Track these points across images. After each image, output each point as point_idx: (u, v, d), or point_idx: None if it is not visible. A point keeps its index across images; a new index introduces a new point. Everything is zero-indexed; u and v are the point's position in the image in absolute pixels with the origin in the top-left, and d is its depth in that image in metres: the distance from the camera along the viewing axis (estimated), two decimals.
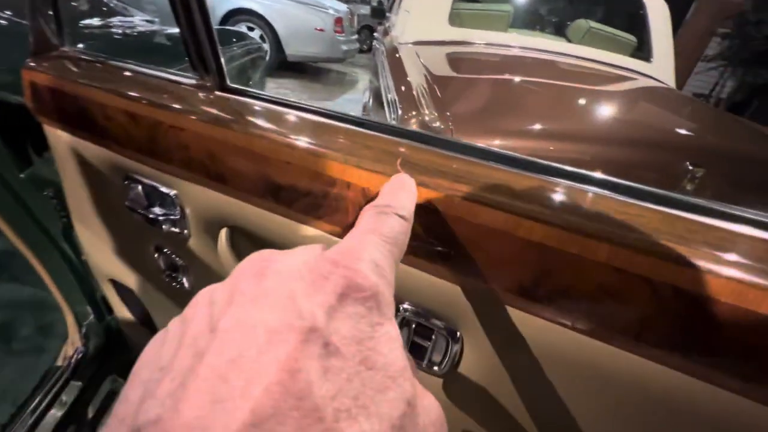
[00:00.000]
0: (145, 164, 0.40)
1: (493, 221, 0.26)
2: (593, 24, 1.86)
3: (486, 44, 1.72)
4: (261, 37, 4.58)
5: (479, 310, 0.30)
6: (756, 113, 4.56)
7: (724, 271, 0.22)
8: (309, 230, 0.34)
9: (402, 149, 0.30)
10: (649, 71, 1.80)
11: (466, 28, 1.74)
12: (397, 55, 1.56)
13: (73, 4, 1.17)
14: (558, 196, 0.26)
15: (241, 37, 1.94)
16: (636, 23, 1.89)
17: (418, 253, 0.29)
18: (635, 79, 1.72)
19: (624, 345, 0.25)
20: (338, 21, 4.62)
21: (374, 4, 8.57)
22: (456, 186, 0.27)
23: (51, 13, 0.41)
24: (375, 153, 0.30)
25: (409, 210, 0.21)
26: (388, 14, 3.28)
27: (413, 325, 0.33)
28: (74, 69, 0.42)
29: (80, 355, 0.74)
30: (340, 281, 0.15)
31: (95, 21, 1.16)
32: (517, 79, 1.40)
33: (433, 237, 0.28)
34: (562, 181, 0.27)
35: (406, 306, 0.34)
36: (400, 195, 0.22)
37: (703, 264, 0.22)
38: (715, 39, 5.21)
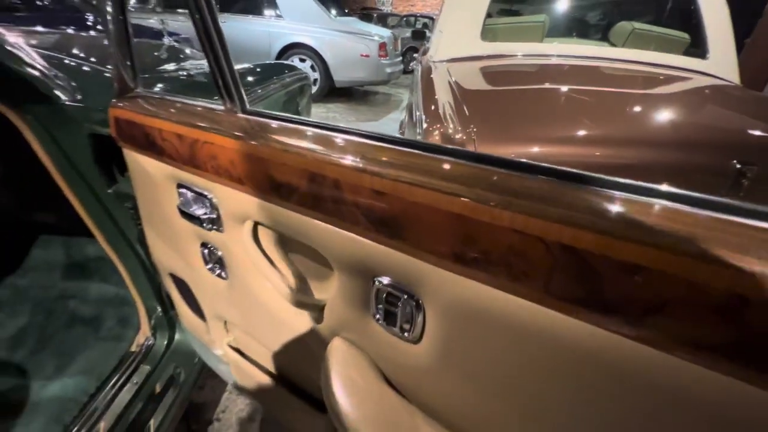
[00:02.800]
0: (190, 174, 0.50)
1: (425, 199, 0.33)
2: (637, 25, 1.78)
3: (522, 55, 1.73)
4: (312, 66, 4.95)
5: (433, 280, 0.35)
6: None
7: (597, 226, 0.27)
8: (305, 219, 0.41)
9: (372, 151, 0.36)
10: (706, 68, 1.67)
11: (499, 42, 1.76)
12: (430, 75, 1.63)
13: (155, 53, 1.42)
14: (473, 177, 0.32)
15: (290, 68, 2.15)
16: (688, 19, 1.78)
17: (381, 231, 0.35)
18: (690, 78, 1.60)
19: (538, 299, 0.30)
20: (382, 46, 4.85)
21: (418, 26, 8.85)
22: (403, 175, 0.34)
23: (129, 64, 0.54)
24: (346, 153, 0.38)
25: None
26: (428, 34, 3.39)
27: (384, 295, 0.38)
28: (143, 105, 0.55)
29: (149, 344, 0.88)
30: None
31: (170, 66, 1.40)
32: (548, 86, 1.39)
33: (386, 216, 0.34)
34: (478, 164, 0.33)
35: (380, 280, 0.39)
36: None
37: (580, 223, 0.27)
38: None
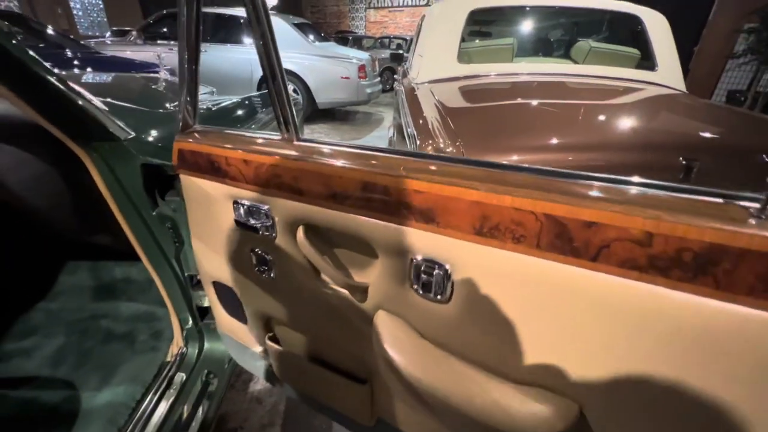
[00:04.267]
0: (250, 191, 0.62)
1: (452, 192, 0.46)
2: (593, 43, 2.00)
3: (496, 75, 1.91)
4: (294, 90, 5.10)
5: (459, 252, 0.47)
6: None
7: (565, 200, 0.40)
8: (356, 218, 0.54)
9: (402, 163, 0.49)
10: (655, 79, 1.89)
11: (474, 64, 1.95)
12: (415, 94, 1.79)
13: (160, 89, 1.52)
14: (484, 176, 0.46)
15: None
16: (637, 37, 2.01)
17: (418, 219, 0.48)
18: (642, 89, 1.81)
19: (533, 253, 0.43)
20: (361, 68, 5.07)
21: (393, 48, 9.21)
22: (436, 178, 0.47)
23: (192, 105, 0.66)
24: (383, 165, 0.51)
25: None
26: (405, 55, 3.61)
27: (421, 268, 0.50)
28: (206, 137, 0.66)
29: (183, 353, 0.96)
30: None
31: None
32: (521, 101, 1.56)
33: (423, 207, 0.48)
34: (486, 168, 0.47)
35: (416, 257, 0.51)
36: None
37: (555, 200, 0.41)
38: (743, 35, 5.08)
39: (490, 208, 0.43)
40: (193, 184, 0.68)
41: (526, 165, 0.45)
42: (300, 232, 0.59)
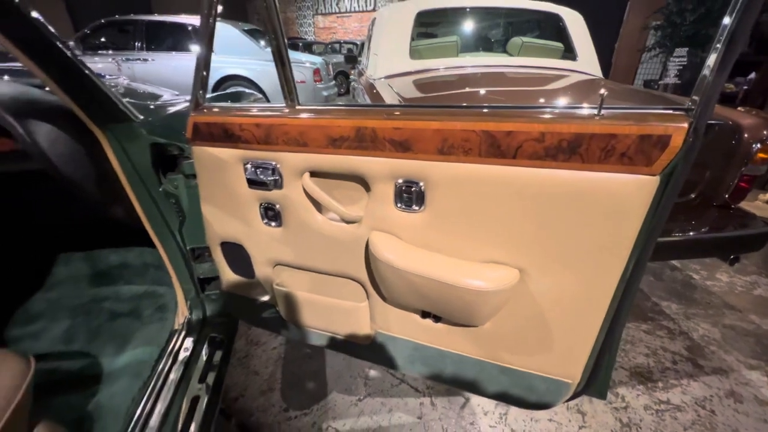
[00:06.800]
0: (260, 150, 0.75)
1: (422, 125, 0.63)
2: (525, 39, 2.29)
3: (444, 68, 2.14)
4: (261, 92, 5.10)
5: (428, 171, 0.65)
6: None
7: (493, 119, 0.59)
8: (350, 159, 0.69)
9: (384, 111, 0.66)
10: (577, 67, 2.22)
11: (424, 59, 2.16)
12: (374, 90, 1.96)
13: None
14: (443, 112, 0.63)
15: (246, 95, 2.36)
16: (560, 33, 2.34)
17: (398, 150, 0.65)
18: (567, 75, 2.12)
19: (477, 161, 0.61)
20: (316, 72, 5.19)
21: (344, 52, 9.39)
22: (409, 117, 0.65)
23: (201, 89, 0.78)
24: (370, 112, 0.67)
25: None
26: (359, 58, 3.79)
27: (403, 188, 0.67)
28: (219, 110, 0.79)
29: (189, 320, 1.05)
30: None
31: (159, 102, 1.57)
32: (468, 90, 1.79)
33: (401, 140, 0.65)
34: (444, 109, 0.64)
35: (398, 181, 0.68)
36: None
37: (485, 120, 0.60)
38: (652, 31, 5.82)
39: (447, 132, 0.61)
40: (205, 153, 0.80)
41: (470, 105, 0.64)
42: (306, 176, 0.74)
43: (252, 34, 5.25)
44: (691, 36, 4.85)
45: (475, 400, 1.33)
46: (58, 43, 0.66)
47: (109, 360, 0.98)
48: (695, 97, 0.51)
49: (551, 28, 2.47)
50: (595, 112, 0.56)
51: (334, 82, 6.15)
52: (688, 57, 5.21)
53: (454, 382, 0.87)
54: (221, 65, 4.96)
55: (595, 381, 0.76)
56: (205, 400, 0.87)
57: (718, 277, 2.09)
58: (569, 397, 0.78)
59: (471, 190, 0.63)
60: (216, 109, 0.79)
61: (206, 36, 0.71)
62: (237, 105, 0.79)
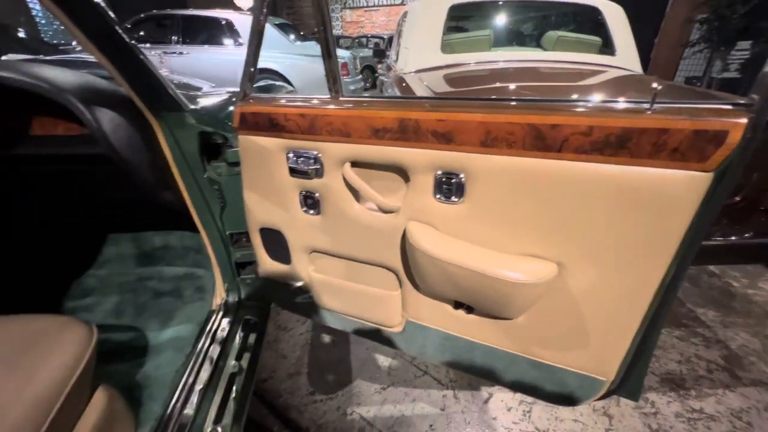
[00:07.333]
0: (303, 140, 0.78)
1: (465, 117, 0.63)
2: (560, 33, 2.23)
3: (475, 63, 2.12)
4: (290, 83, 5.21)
5: (470, 163, 0.65)
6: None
7: (538, 112, 0.59)
8: (392, 150, 0.71)
9: (426, 102, 0.67)
10: (616, 63, 2.14)
11: (456, 53, 2.14)
12: (404, 84, 1.97)
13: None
14: (486, 105, 0.64)
15: (277, 88, 2.42)
16: (598, 27, 2.26)
17: (440, 141, 0.66)
18: (605, 71, 2.05)
19: (521, 154, 0.62)
20: (344, 66, 5.22)
21: (371, 46, 9.39)
22: (453, 109, 0.65)
23: (249, 82, 0.82)
24: (413, 104, 0.69)
25: None
26: (387, 53, 3.78)
27: (443, 179, 0.68)
28: (266, 100, 0.82)
29: (226, 301, 1.11)
30: None
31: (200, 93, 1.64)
32: (499, 85, 1.76)
33: (444, 132, 0.65)
34: (487, 102, 0.65)
35: (438, 172, 0.69)
36: None
37: (532, 113, 0.59)
38: (697, 25, 5.51)
39: (491, 125, 0.61)
40: (250, 142, 0.84)
41: (514, 98, 0.65)
42: (347, 166, 0.77)
43: (282, 28, 5.34)
44: (741, 30, 4.55)
45: (499, 395, 1.33)
46: (118, 29, 0.70)
47: (155, 334, 1.05)
48: (754, 96, 0.50)
49: (589, 21, 2.38)
50: (647, 106, 0.55)
51: (360, 76, 6.18)
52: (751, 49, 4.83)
53: (482, 374, 0.88)
54: None
55: (629, 381, 0.75)
56: (242, 378, 0.92)
57: (760, 286, 1.98)
58: (600, 396, 0.78)
59: (512, 183, 0.63)
60: (262, 100, 0.82)
61: (256, 33, 0.74)
62: (282, 96, 0.83)
